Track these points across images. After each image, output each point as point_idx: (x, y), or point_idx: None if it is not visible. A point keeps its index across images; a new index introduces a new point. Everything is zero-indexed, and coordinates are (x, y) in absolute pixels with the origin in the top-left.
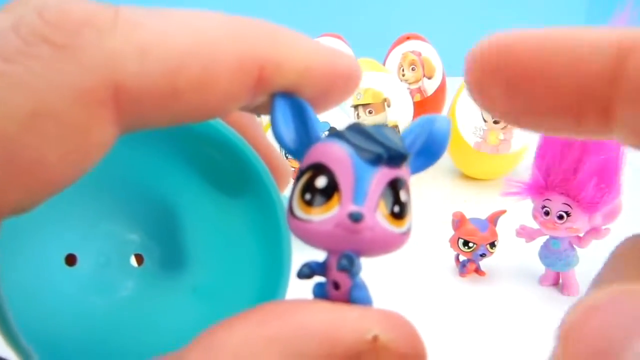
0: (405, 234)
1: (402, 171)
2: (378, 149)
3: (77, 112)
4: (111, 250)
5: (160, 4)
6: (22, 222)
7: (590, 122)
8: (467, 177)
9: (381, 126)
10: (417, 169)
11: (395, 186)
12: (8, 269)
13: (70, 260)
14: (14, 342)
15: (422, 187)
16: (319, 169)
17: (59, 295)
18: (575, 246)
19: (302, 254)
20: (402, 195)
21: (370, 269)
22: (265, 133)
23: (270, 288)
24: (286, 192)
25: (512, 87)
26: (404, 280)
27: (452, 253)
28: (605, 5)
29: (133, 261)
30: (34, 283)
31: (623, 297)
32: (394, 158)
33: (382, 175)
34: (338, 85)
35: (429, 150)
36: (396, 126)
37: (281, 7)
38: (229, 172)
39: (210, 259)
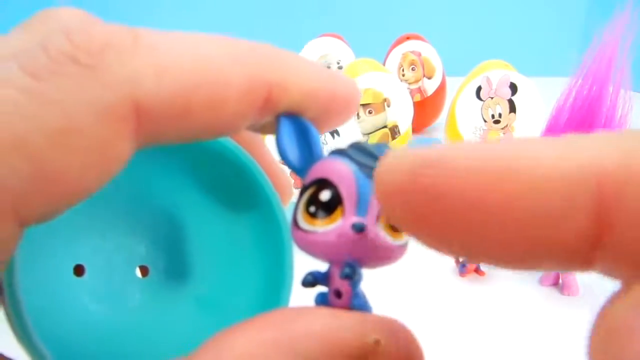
0: (404, 246)
1: None
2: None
3: (101, 127)
4: (117, 261)
5: (168, 14)
6: (35, 233)
7: (567, 266)
8: None
9: (381, 144)
10: None
11: None
12: (24, 278)
13: (79, 270)
14: (32, 347)
15: None
16: (323, 183)
17: (68, 304)
18: None
19: (305, 266)
20: None
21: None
22: (269, 150)
23: (272, 299)
24: (289, 207)
25: (450, 235)
26: (404, 280)
27: None
28: (605, 5)
29: (138, 272)
30: (46, 291)
31: None
32: None
33: None
34: (339, 107)
35: None
36: (396, 126)
37: (282, 7)
38: (234, 187)
39: (213, 271)
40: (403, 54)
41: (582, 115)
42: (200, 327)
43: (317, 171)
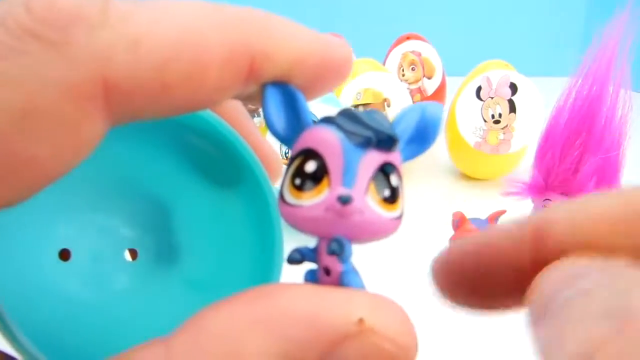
0: (397, 219)
1: (393, 156)
2: (367, 133)
3: (66, 107)
4: (105, 244)
5: None
6: (15, 218)
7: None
8: (467, 177)
9: (372, 111)
10: (409, 155)
11: (385, 170)
12: (2, 266)
13: (64, 255)
14: (18, 344)
15: (422, 187)
16: (308, 154)
17: (54, 289)
18: None
19: (296, 243)
20: (393, 180)
21: (369, 268)
22: (256, 126)
23: (263, 278)
24: (278, 184)
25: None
26: (403, 280)
27: None
28: (605, 5)
29: (127, 255)
30: (29, 278)
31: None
32: (383, 141)
33: (371, 158)
34: (330, 73)
35: (420, 137)
36: None
37: (281, 7)
38: (222, 165)
39: (203, 252)
40: (403, 54)
41: (582, 115)
42: (192, 309)
43: (303, 141)
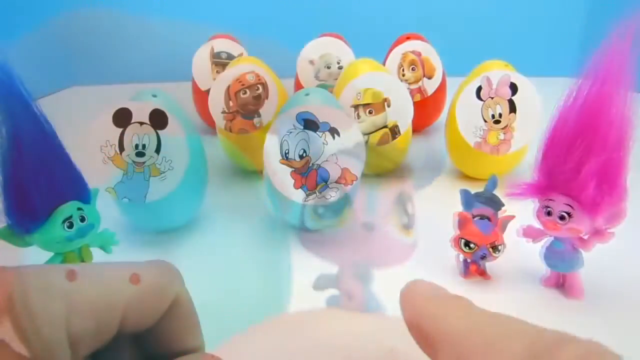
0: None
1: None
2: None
3: None
4: None
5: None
6: None
7: None
8: (467, 177)
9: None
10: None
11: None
12: None
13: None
14: None
15: (422, 187)
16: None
17: None
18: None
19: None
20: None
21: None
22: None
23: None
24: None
25: None
26: (403, 279)
27: (453, 253)
28: (605, 5)
29: None
30: None
31: None
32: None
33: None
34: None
35: None
36: (396, 126)
37: (281, 7)
38: None
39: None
40: (403, 54)
41: (586, 116)
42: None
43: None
